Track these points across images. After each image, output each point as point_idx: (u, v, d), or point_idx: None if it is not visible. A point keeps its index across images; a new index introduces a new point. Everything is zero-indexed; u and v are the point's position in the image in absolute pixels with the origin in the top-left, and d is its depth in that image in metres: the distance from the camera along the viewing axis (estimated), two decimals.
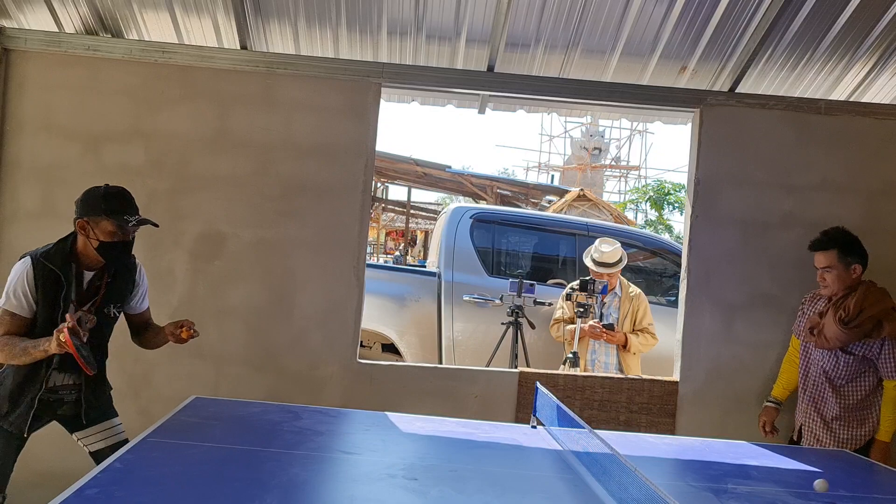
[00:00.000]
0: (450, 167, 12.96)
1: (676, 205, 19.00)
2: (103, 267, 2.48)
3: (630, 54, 3.70)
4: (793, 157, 3.71)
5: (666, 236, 15.82)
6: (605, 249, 4.50)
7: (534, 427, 2.75)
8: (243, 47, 3.65)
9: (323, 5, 3.49)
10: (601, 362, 4.37)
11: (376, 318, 5.01)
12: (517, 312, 4.60)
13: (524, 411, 3.54)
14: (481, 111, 4.24)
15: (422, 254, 14.35)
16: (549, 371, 3.92)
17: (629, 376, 3.89)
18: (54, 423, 2.56)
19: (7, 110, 3.55)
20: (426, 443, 2.45)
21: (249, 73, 3.62)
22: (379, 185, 15.09)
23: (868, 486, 2.52)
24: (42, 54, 3.57)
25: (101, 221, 2.38)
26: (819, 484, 2.20)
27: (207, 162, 3.59)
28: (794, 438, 3.30)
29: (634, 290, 4.55)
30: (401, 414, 2.79)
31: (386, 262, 13.64)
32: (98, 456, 2.49)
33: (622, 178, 25.40)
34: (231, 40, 3.66)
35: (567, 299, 4.50)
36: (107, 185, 2.47)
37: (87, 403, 2.52)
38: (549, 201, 12.95)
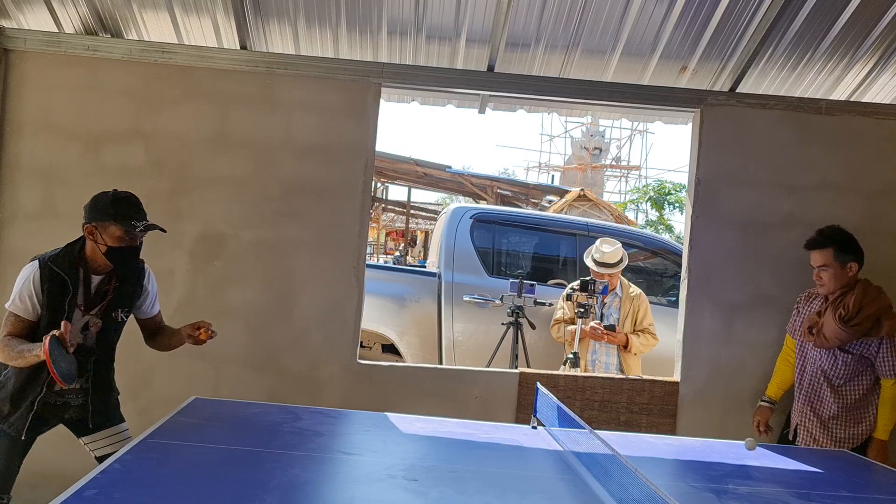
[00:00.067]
0: (450, 167, 12.96)
1: (677, 205, 18.99)
2: (111, 271, 2.49)
3: (630, 54, 3.70)
4: (793, 158, 3.71)
5: (666, 236, 15.82)
6: (607, 250, 4.50)
7: (534, 427, 2.74)
8: (243, 47, 3.65)
9: (323, 5, 3.49)
10: (602, 363, 4.37)
11: (376, 318, 5.01)
12: (517, 313, 4.60)
13: (524, 412, 3.54)
14: (481, 111, 4.24)
15: (422, 254, 14.34)
16: (549, 371, 3.92)
17: (629, 377, 3.88)
18: (58, 425, 2.56)
19: (7, 111, 3.55)
20: (426, 443, 2.44)
21: (249, 73, 3.62)
22: (379, 185, 15.09)
23: (868, 486, 2.51)
24: (42, 54, 3.57)
25: (108, 226, 2.40)
26: (749, 442, 2.25)
27: (207, 162, 3.59)
28: (791, 438, 3.29)
29: (635, 290, 4.55)
30: (401, 414, 2.78)
31: (386, 262, 13.64)
32: (104, 461, 2.49)
33: (622, 178, 25.41)
34: (231, 40, 3.66)
35: (567, 300, 4.49)
36: (115, 190, 2.48)
37: (94, 408, 2.53)
38: (550, 201, 12.96)
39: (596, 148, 24.31)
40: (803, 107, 3.72)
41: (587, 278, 4.37)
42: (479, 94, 4.07)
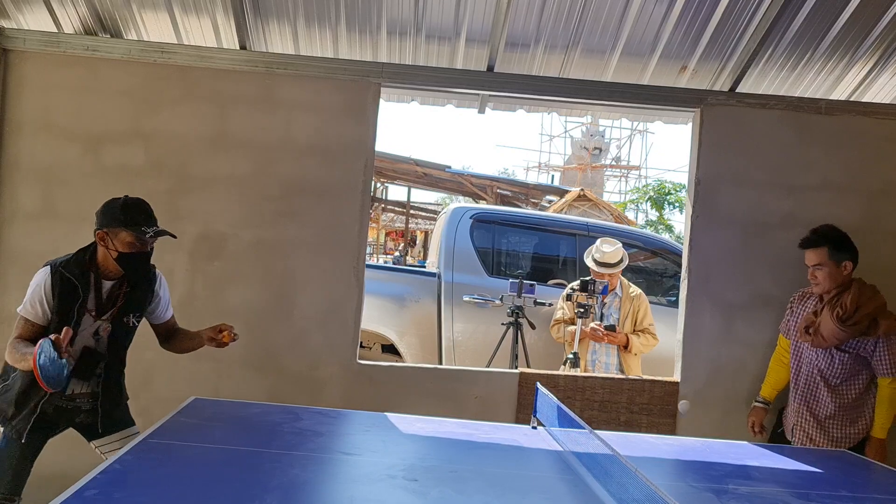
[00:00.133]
0: (450, 167, 12.96)
1: (677, 205, 18.99)
2: (123, 276, 2.51)
3: (630, 54, 3.70)
4: (793, 157, 3.71)
5: (666, 236, 15.82)
6: (607, 249, 4.50)
7: (534, 428, 2.74)
8: (242, 47, 3.65)
9: (322, 5, 3.49)
10: (602, 363, 4.37)
11: (376, 318, 5.01)
12: (517, 313, 4.60)
13: (524, 412, 3.54)
14: (481, 111, 4.24)
15: (421, 254, 14.34)
16: (549, 372, 3.92)
17: (630, 377, 3.88)
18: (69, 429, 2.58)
19: (6, 111, 3.54)
20: (426, 443, 2.44)
21: (249, 73, 3.62)
22: (379, 185, 15.10)
23: (868, 485, 2.51)
24: (41, 55, 3.57)
25: (119, 232, 2.42)
26: (682, 405, 2.30)
27: (207, 162, 3.59)
28: (788, 438, 3.29)
29: (635, 290, 4.55)
30: (401, 415, 2.78)
31: (386, 262, 13.64)
32: None
33: (622, 178, 25.41)
34: (230, 40, 3.66)
35: (567, 300, 4.49)
36: (126, 196, 2.50)
37: (103, 412, 2.54)
38: (550, 201, 12.96)
39: (596, 148, 24.31)
40: (803, 107, 3.72)
41: (587, 278, 4.37)
42: (478, 94, 4.07)
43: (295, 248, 3.61)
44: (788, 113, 3.71)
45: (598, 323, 4.36)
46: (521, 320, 4.60)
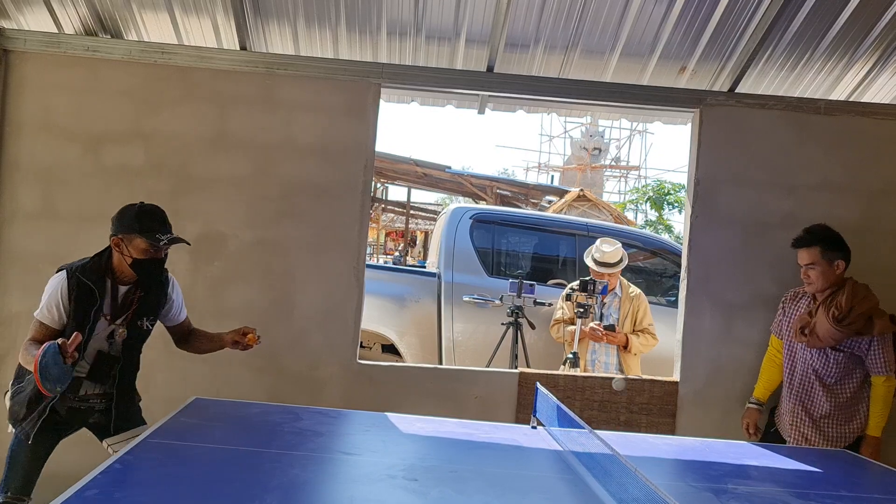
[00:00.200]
0: (449, 168, 12.94)
1: (676, 205, 18.98)
2: (137, 281, 2.54)
3: (630, 54, 3.70)
4: (792, 158, 3.71)
5: (666, 236, 15.82)
6: (607, 249, 4.50)
7: (534, 427, 2.75)
8: (243, 48, 3.65)
9: (322, 6, 3.49)
10: (601, 362, 4.37)
11: (376, 318, 5.01)
12: (517, 313, 4.60)
13: (524, 412, 3.54)
14: (481, 111, 4.24)
15: (421, 254, 14.34)
16: (549, 371, 3.92)
17: (629, 377, 3.88)
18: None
19: (6, 111, 3.55)
20: (426, 443, 2.45)
21: (249, 73, 3.63)
22: (379, 185, 15.09)
23: (867, 485, 2.52)
24: (41, 55, 3.57)
25: (134, 239, 2.44)
26: (617, 382, 2.32)
27: (207, 163, 3.59)
28: (782, 436, 3.29)
29: (635, 290, 4.55)
30: (401, 415, 2.79)
31: (386, 262, 13.64)
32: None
33: (622, 179, 25.39)
34: (230, 41, 3.66)
35: (567, 300, 4.49)
36: (141, 202, 2.52)
37: (118, 413, 2.56)
38: (549, 202, 12.95)
39: (595, 148, 24.30)
40: (802, 107, 3.72)
41: (587, 278, 4.37)
42: (478, 95, 4.07)
43: (295, 249, 3.61)
44: (788, 113, 3.72)
45: (598, 323, 4.36)
46: (520, 320, 4.60)
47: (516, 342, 4.57)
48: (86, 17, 3.57)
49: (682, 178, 17.93)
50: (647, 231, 13.40)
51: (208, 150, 3.59)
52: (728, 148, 3.72)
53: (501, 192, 13.37)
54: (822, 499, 2.15)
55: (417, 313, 5.16)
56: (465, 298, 4.98)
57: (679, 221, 19.52)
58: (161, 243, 2.46)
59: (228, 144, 3.60)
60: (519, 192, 13.67)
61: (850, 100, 3.86)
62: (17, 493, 2.42)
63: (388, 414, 2.79)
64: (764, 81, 3.82)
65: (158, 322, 2.70)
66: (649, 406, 3.68)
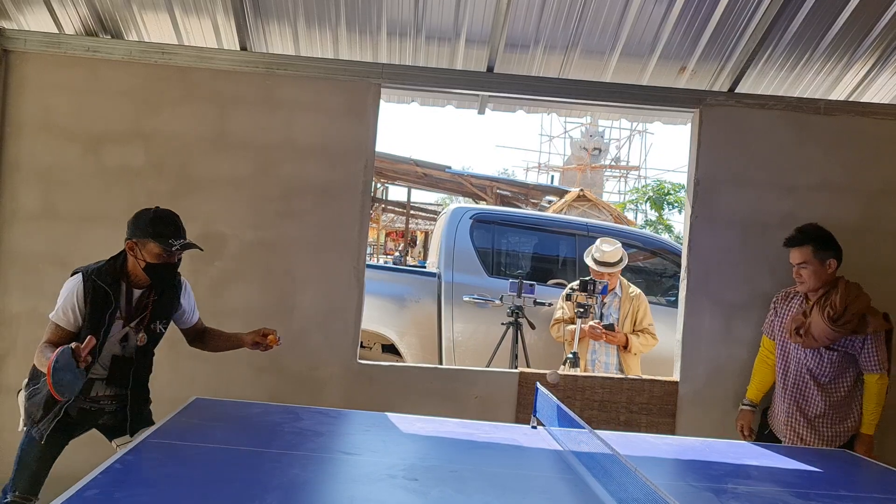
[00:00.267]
0: (450, 168, 12.95)
1: (676, 205, 18.97)
2: (151, 285, 2.56)
3: (629, 54, 3.71)
4: (792, 158, 3.71)
5: (666, 236, 15.82)
6: (607, 249, 4.50)
7: (534, 427, 2.75)
8: (243, 48, 3.65)
9: (322, 6, 3.49)
10: (601, 362, 4.37)
11: (376, 318, 5.01)
12: (517, 313, 4.60)
13: (524, 412, 3.55)
14: (481, 112, 4.24)
15: (422, 254, 14.34)
16: (549, 371, 3.92)
17: (629, 377, 3.89)
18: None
19: (7, 111, 3.55)
20: (426, 443, 2.45)
21: (249, 73, 3.63)
22: (379, 185, 15.09)
23: (867, 485, 2.52)
24: (42, 55, 3.57)
25: (147, 243, 2.47)
26: (551, 375, 2.33)
27: (207, 163, 3.59)
28: (777, 437, 3.29)
29: (635, 290, 4.55)
30: (401, 414, 2.79)
31: (386, 262, 13.64)
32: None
33: (622, 179, 25.39)
34: (231, 41, 3.66)
35: (567, 300, 4.50)
36: (157, 207, 2.54)
37: (132, 415, 2.57)
38: (549, 202, 12.95)
39: (595, 148, 24.29)
40: (802, 107, 3.72)
41: (587, 278, 4.37)
42: (478, 95, 4.07)
43: (295, 249, 3.62)
44: (787, 113, 3.72)
45: (598, 321, 4.36)
46: (520, 320, 4.60)
47: (516, 342, 4.57)
48: (86, 18, 3.58)
49: (682, 178, 17.94)
50: (647, 231, 13.40)
51: (208, 150, 3.60)
52: (728, 148, 3.72)
53: (501, 192, 13.37)
54: (821, 498, 2.15)
55: (417, 313, 5.16)
56: (466, 298, 4.98)
57: (679, 221, 19.52)
58: (173, 249, 2.48)
59: (229, 145, 3.60)
60: (519, 192, 13.67)
61: (850, 100, 3.86)
62: (24, 492, 2.43)
63: (389, 414, 2.79)
64: (764, 81, 3.82)
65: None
66: (649, 406, 3.68)
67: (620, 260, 4.50)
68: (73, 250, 3.51)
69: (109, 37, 3.66)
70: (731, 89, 3.77)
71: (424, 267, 7.01)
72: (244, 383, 3.56)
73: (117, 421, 2.58)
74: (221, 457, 2.06)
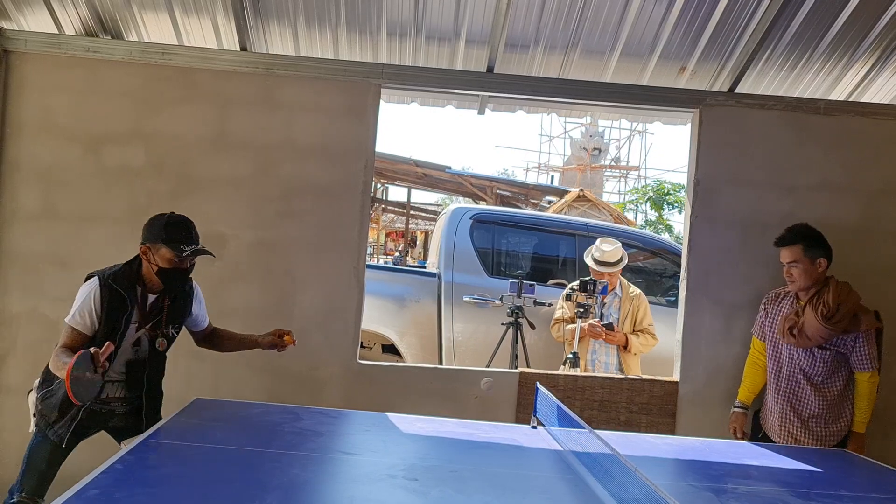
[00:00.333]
0: (449, 168, 12.95)
1: (676, 205, 18.98)
2: (164, 290, 2.57)
3: (629, 55, 3.71)
4: (792, 158, 3.71)
5: (666, 236, 15.82)
6: (606, 249, 4.51)
7: (534, 427, 2.75)
8: (243, 48, 3.65)
9: (322, 6, 3.50)
10: (601, 362, 4.37)
11: (376, 318, 5.01)
12: (517, 313, 4.60)
13: (524, 412, 3.55)
14: (481, 112, 4.24)
15: (422, 254, 14.35)
16: (549, 371, 3.92)
17: (629, 377, 3.89)
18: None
19: (7, 112, 3.55)
20: (426, 443, 2.45)
21: (249, 74, 3.63)
22: (379, 185, 15.10)
23: (867, 485, 2.52)
24: (42, 56, 3.57)
25: (160, 248, 2.49)
26: (485, 383, 2.35)
27: (208, 163, 3.60)
28: (771, 439, 3.29)
29: (635, 290, 4.55)
30: (401, 414, 2.79)
31: (386, 262, 13.64)
32: None
33: (622, 179, 25.39)
34: (231, 41, 3.66)
35: (567, 299, 4.50)
36: (171, 213, 2.57)
37: (147, 418, 2.58)
38: (549, 202, 12.95)
39: (595, 148, 24.29)
40: (802, 107, 3.73)
41: (587, 278, 4.37)
42: (478, 95, 4.07)
43: (295, 249, 3.62)
44: (787, 113, 3.72)
45: (598, 320, 4.36)
46: (520, 320, 4.60)
47: (516, 342, 4.57)
48: (86, 18, 3.58)
49: (682, 178, 17.94)
50: (647, 231, 13.41)
51: (209, 150, 3.60)
52: (728, 148, 3.72)
53: (501, 192, 13.37)
54: (821, 498, 2.16)
55: (417, 313, 5.16)
56: (466, 298, 4.98)
57: (679, 221, 19.53)
58: (185, 254, 2.49)
59: (229, 145, 3.60)
60: (519, 192, 13.68)
61: (850, 100, 3.86)
62: (31, 493, 2.43)
63: (389, 414, 2.79)
64: (763, 82, 3.82)
65: None
66: (649, 406, 3.68)
67: (620, 260, 4.51)
68: (73, 250, 3.52)
69: (109, 37, 3.66)
70: (731, 89, 3.78)
71: (424, 267, 7.01)
72: (244, 383, 3.56)
73: (127, 423, 2.59)
74: (221, 457, 2.06)
